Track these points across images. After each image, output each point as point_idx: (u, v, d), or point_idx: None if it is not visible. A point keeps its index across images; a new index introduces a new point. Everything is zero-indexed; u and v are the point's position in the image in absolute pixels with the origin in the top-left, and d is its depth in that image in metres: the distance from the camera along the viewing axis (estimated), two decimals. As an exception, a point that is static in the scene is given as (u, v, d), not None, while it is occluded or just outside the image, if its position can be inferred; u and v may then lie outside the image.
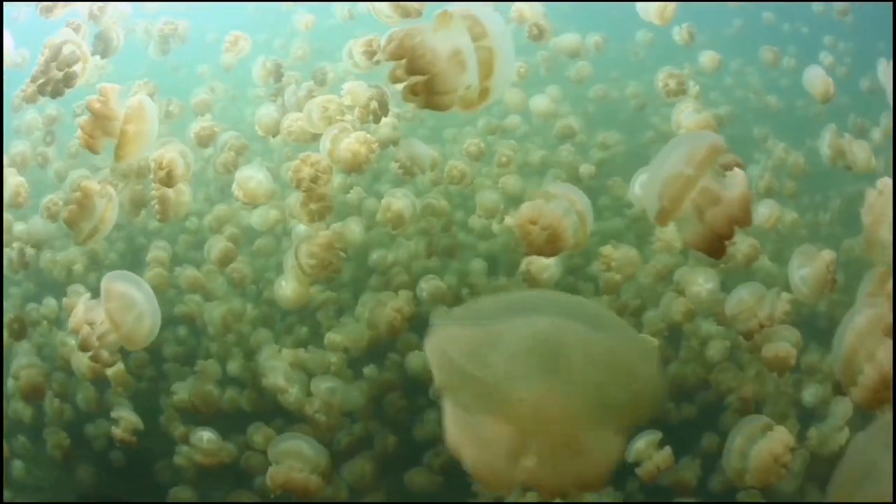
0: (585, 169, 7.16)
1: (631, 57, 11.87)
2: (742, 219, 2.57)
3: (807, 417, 6.15)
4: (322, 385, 5.07)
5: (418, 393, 6.67)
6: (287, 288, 4.65)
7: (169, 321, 7.93)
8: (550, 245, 3.31)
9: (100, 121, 3.68)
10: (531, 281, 5.01)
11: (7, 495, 6.84)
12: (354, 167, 4.15)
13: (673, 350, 6.32)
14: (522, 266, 5.03)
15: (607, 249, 5.16)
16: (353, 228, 6.04)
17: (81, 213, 3.91)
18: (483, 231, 7.53)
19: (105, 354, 3.36)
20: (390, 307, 4.95)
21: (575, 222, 3.34)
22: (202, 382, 5.86)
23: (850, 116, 9.50)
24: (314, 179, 4.26)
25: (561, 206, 3.32)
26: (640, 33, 10.28)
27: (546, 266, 4.95)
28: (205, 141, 5.39)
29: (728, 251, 2.95)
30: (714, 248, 2.63)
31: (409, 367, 6.37)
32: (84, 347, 3.37)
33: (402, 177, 5.45)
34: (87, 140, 3.69)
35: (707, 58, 7.30)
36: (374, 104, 4.63)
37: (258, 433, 5.62)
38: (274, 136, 5.44)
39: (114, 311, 3.31)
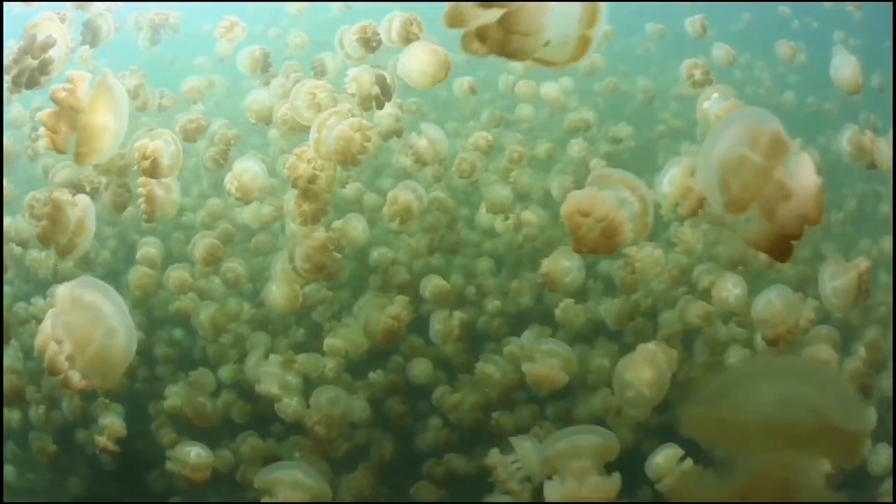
0: (596, 164, 6.69)
1: (638, 50, 11.47)
2: (815, 216, 2.15)
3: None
4: (323, 395, 4.61)
5: (420, 398, 6.23)
6: (277, 293, 4.18)
7: (165, 320, 7.53)
8: (606, 240, 2.74)
9: (66, 114, 3.13)
10: (551, 285, 4.56)
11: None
12: (348, 158, 3.65)
13: (687, 354, 5.89)
14: (542, 268, 4.56)
15: (631, 249, 4.74)
16: (356, 225, 5.58)
17: (54, 227, 3.35)
18: (489, 228, 7.07)
19: (76, 378, 2.85)
20: (387, 313, 4.48)
21: (634, 213, 2.77)
22: (195, 393, 5.38)
23: (861, 114, 9.10)
24: (312, 179, 3.80)
25: (617, 194, 2.77)
26: (648, 26, 9.84)
27: (567, 270, 4.49)
28: (192, 135, 4.92)
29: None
30: (780, 249, 2.22)
31: (412, 370, 5.95)
32: (52, 371, 2.85)
33: (414, 164, 4.97)
34: (52, 137, 3.14)
35: (722, 51, 6.86)
36: (375, 89, 4.16)
37: (246, 444, 5.19)
38: (267, 124, 4.96)
39: (79, 325, 2.81)
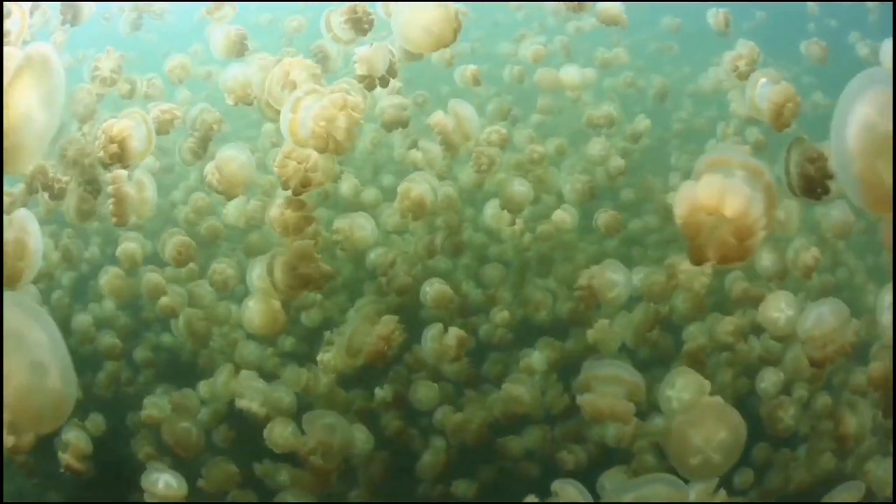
0: (615, 162, 5.96)
1: (650, 46, 10.81)
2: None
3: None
4: (318, 421, 3.87)
5: (421, 415, 5.52)
6: (254, 310, 3.45)
7: (156, 320, 6.88)
8: (740, 245, 1.99)
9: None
10: (590, 300, 3.79)
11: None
12: (332, 144, 2.82)
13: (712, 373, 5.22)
14: (583, 279, 3.79)
15: (674, 259, 4.06)
16: (364, 226, 4.84)
17: None
18: (496, 230, 6.33)
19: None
20: (375, 335, 3.73)
21: (763, 208, 1.97)
22: (178, 418, 4.62)
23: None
24: (305, 182, 3.07)
25: (745, 182, 1.97)
26: (665, 19, 9.13)
27: (613, 283, 3.73)
28: (165, 126, 4.23)
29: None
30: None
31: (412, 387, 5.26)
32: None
33: (440, 144, 4.26)
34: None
35: (746, 49, 6.11)
36: (379, 66, 3.45)
37: (218, 469, 4.51)
38: (248, 104, 4.24)
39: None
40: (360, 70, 3.72)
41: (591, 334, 4.49)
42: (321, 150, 2.82)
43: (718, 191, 1.97)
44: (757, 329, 5.19)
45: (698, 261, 2.10)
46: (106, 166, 3.70)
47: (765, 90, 3.69)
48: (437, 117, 4.27)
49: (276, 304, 3.28)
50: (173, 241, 4.72)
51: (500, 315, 5.86)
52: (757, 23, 10.75)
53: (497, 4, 10.67)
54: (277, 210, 3.12)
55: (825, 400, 5.28)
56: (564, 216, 5.53)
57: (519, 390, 4.63)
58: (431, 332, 4.46)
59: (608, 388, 3.08)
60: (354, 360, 3.83)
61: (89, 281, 7.28)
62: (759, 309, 3.88)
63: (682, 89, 9.62)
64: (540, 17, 8.90)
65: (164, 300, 5.52)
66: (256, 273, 3.14)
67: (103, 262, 7.32)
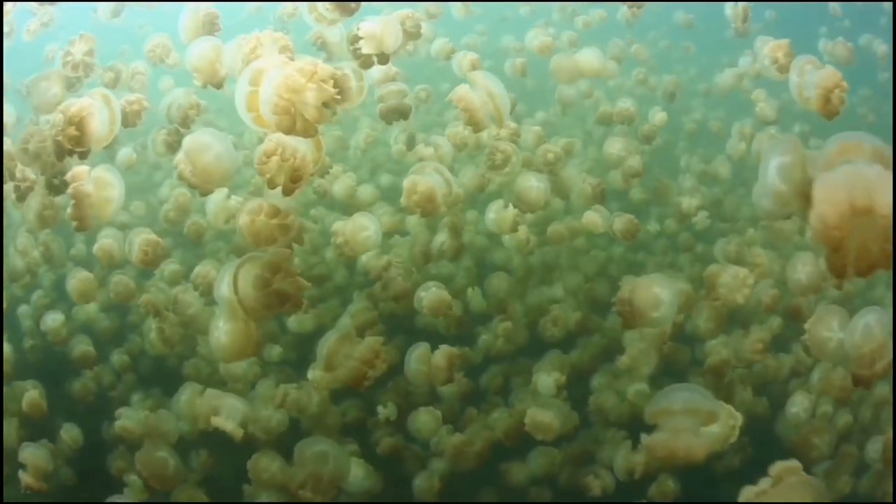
0: (632, 163, 5.39)
1: (661, 44, 10.33)
2: None
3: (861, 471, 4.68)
4: (310, 450, 3.24)
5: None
6: (222, 331, 2.82)
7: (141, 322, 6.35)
8: (886, 248, 1.60)
9: None
10: (630, 318, 3.18)
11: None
12: (300, 125, 2.22)
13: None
14: (624, 292, 3.19)
15: (713, 269, 3.57)
16: (367, 226, 4.23)
17: None
18: (501, 234, 5.75)
19: None
20: (356, 357, 3.17)
21: None
22: (153, 446, 3.93)
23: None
24: (294, 178, 2.57)
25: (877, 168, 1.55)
26: (678, 14, 8.60)
27: (657, 301, 3.12)
28: (132, 118, 3.69)
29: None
30: None
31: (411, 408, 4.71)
32: None
33: (466, 125, 3.71)
34: None
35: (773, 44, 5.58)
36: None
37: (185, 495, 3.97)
38: (218, 87, 3.67)
39: None
40: (367, 48, 3.19)
41: (623, 361, 3.94)
42: (286, 131, 2.26)
43: (868, 187, 1.53)
44: (778, 342, 4.71)
45: (842, 273, 1.67)
46: (63, 154, 3.20)
47: (810, 77, 3.28)
48: (462, 91, 3.60)
49: (250, 323, 2.67)
50: (139, 241, 4.16)
51: (503, 325, 5.31)
52: (767, 23, 10.26)
53: (503, 3, 10.23)
54: (248, 217, 2.55)
55: (847, 419, 4.79)
56: (594, 217, 4.92)
57: (546, 416, 4.06)
58: (416, 353, 3.80)
59: (681, 423, 2.45)
60: (334, 380, 3.27)
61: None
62: (807, 326, 3.32)
63: (693, 88, 9.14)
64: (546, 14, 8.42)
65: (145, 298, 4.99)
66: (225, 288, 2.56)
67: (90, 260, 6.81)
